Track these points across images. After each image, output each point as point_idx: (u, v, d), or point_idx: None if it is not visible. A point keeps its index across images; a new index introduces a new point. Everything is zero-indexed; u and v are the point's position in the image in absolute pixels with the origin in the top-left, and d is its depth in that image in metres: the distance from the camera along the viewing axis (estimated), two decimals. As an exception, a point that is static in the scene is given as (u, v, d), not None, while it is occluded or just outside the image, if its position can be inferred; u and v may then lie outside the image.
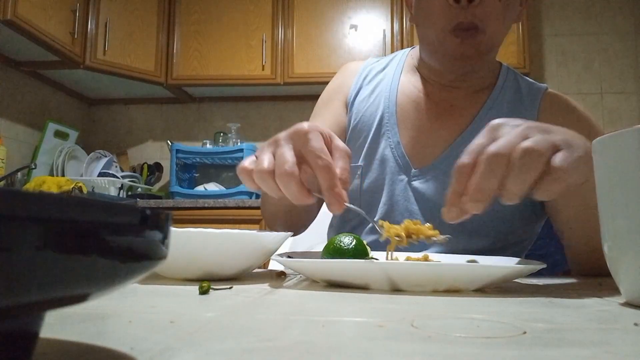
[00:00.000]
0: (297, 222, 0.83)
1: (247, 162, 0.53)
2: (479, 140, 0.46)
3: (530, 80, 0.84)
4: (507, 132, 0.45)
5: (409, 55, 0.88)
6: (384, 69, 0.88)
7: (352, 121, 0.85)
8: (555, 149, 0.43)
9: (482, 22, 0.69)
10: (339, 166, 0.49)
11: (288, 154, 0.49)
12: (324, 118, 0.87)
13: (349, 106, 0.87)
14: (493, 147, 0.43)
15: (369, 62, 0.91)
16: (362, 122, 0.83)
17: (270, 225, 0.84)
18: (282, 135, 0.52)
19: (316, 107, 0.91)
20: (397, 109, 0.81)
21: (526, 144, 0.42)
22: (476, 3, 0.68)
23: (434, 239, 0.51)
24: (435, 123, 0.79)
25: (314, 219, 0.88)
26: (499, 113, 0.78)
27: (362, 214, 0.54)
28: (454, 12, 0.69)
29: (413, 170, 0.77)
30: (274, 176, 0.49)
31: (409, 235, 0.51)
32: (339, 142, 0.52)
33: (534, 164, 0.42)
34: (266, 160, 0.50)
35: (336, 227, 0.88)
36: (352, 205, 0.51)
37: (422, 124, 0.79)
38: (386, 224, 0.52)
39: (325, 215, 0.92)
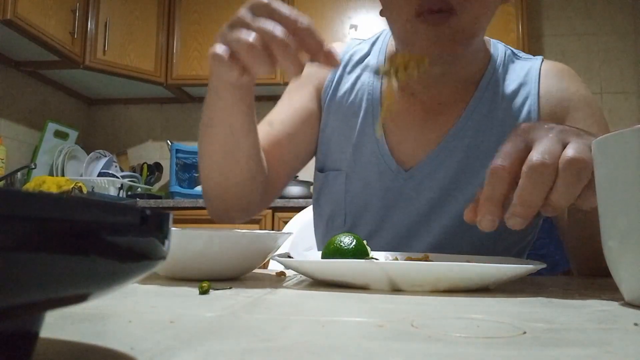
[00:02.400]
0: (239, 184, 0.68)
1: (220, 48, 0.49)
2: (511, 143, 0.43)
3: (524, 55, 0.77)
4: (542, 137, 0.42)
5: (390, 43, 0.80)
6: (366, 56, 0.80)
7: (333, 120, 0.77)
8: None
9: (459, 3, 0.60)
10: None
11: (269, 23, 0.45)
12: (291, 102, 0.79)
13: (324, 97, 0.79)
14: (537, 156, 0.40)
15: (351, 46, 0.82)
16: (344, 123, 0.76)
17: (209, 197, 0.72)
18: (243, 11, 0.47)
19: (288, 88, 0.83)
20: (382, 109, 0.74)
21: (571, 153, 0.40)
22: None
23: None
24: (424, 123, 0.73)
25: (264, 197, 0.74)
26: (493, 98, 0.72)
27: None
28: None
29: (404, 172, 0.73)
30: (264, 49, 0.45)
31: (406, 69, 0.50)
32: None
33: (582, 175, 0.40)
34: (250, 34, 0.45)
35: (322, 231, 0.83)
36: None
37: (408, 124, 0.74)
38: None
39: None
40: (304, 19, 0.46)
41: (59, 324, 0.26)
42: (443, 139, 0.72)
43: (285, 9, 0.46)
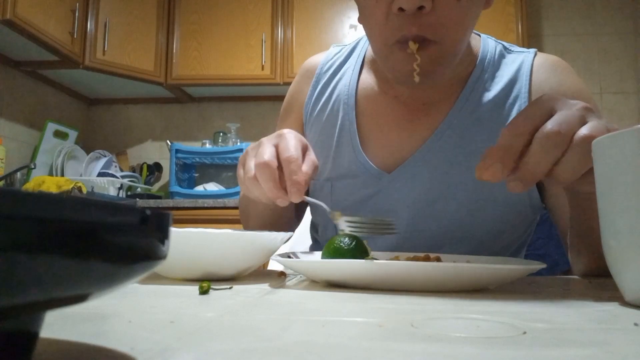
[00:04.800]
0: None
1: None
2: (535, 107, 0.43)
3: (517, 51, 0.74)
4: (565, 107, 0.42)
5: (369, 48, 0.78)
6: (344, 63, 0.79)
7: (311, 133, 0.78)
8: None
9: (437, 32, 0.58)
10: (303, 169, 0.54)
11: (268, 150, 0.55)
12: None
13: (305, 115, 0.80)
14: (553, 125, 0.40)
15: (330, 55, 0.82)
16: (323, 134, 0.76)
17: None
18: (265, 139, 0.57)
19: (279, 117, 0.87)
20: (357, 114, 0.73)
21: (587, 130, 0.40)
22: (427, 10, 0.56)
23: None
24: (408, 124, 0.71)
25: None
26: (479, 102, 0.70)
27: (323, 206, 0.58)
28: (399, 23, 0.58)
29: (387, 174, 0.71)
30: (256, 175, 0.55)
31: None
32: (311, 151, 0.59)
33: (591, 155, 0.39)
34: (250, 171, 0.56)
35: (320, 238, 0.83)
36: (311, 199, 0.58)
37: (393, 127, 0.72)
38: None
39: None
40: (290, 154, 0.55)
41: (59, 324, 0.26)
42: (428, 138, 0.70)
43: (289, 143, 0.56)
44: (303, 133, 0.81)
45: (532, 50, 0.75)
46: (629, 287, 0.35)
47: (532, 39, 2.79)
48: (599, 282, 0.53)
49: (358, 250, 0.50)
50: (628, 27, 2.85)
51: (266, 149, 0.54)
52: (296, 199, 0.53)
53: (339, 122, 0.75)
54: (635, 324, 0.28)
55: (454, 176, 0.70)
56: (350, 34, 2.68)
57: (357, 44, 0.81)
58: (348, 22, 2.70)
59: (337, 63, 0.80)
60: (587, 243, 0.64)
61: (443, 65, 0.62)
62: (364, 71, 0.77)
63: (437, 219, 0.71)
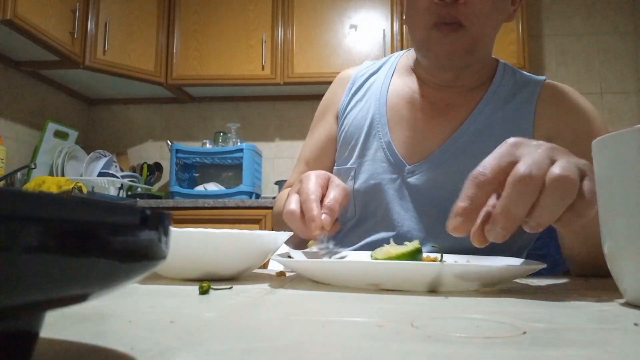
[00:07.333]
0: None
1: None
2: (497, 155, 0.42)
3: (529, 74, 0.84)
4: (530, 152, 0.41)
5: (404, 56, 0.90)
6: (376, 71, 0.90)
7: (343, 127, 0.87)
8: (582, 175, 0.40)
9: (467, 19, 0.70)
10: (329, 196, 0.60)
11: (292, 199, 0.61)
12: (318, 133, 0.92)
13: (340, 113, 0.89)
14: (524, 168, 0.39)
15: (363, 66, 0.93)
16: (353, 126, 0.85)
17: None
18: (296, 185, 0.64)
19: (313, 120, 0.95)
20: (388, 109, 0.83)
21: (558, 170, 0.39)
22: (462, 1, 0.68)
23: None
24: (430, 122, 0.79)
25: None
26: (496, 108, 0.78)
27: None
28: (437, 9, 0.70)
29: (407, 166, 0.77)
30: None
31: None
32: (334, 179, 0.64)
33: (567, 194, 0.39)
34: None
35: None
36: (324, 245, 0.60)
37: (416, 123, 0.80)
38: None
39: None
40: (305, 196, 0.60)
41: (59, 324, 0.26)
42: (450, 137, 0.77)
43: (308, 185, 0.62)
44: (337, 127, 0.90)
45: (543, 77, 0.83)
46: (629, 287, 0.35)
47: (532, 39, 2.79)
48: (598, 282, 0.53)
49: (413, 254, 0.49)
50: (628, 27, 2.84)
51: (291, 199, 0.62)
52: (317, 234, 0.57)
53: (370, 116, 0.84)
54: (635, 324, 0.28)
55: (465, 177, 0.72)
56: (350, 34, 2.68)
57: (389, 58, 0.92)
58: (348, 22, 2.70)
59: (369, 72, 0.91)
60: (582, 243, 0.64)
61: (469, 52, 0.73)
62: (395, 76, 0.87)
63: (447, 212, 0.72)
